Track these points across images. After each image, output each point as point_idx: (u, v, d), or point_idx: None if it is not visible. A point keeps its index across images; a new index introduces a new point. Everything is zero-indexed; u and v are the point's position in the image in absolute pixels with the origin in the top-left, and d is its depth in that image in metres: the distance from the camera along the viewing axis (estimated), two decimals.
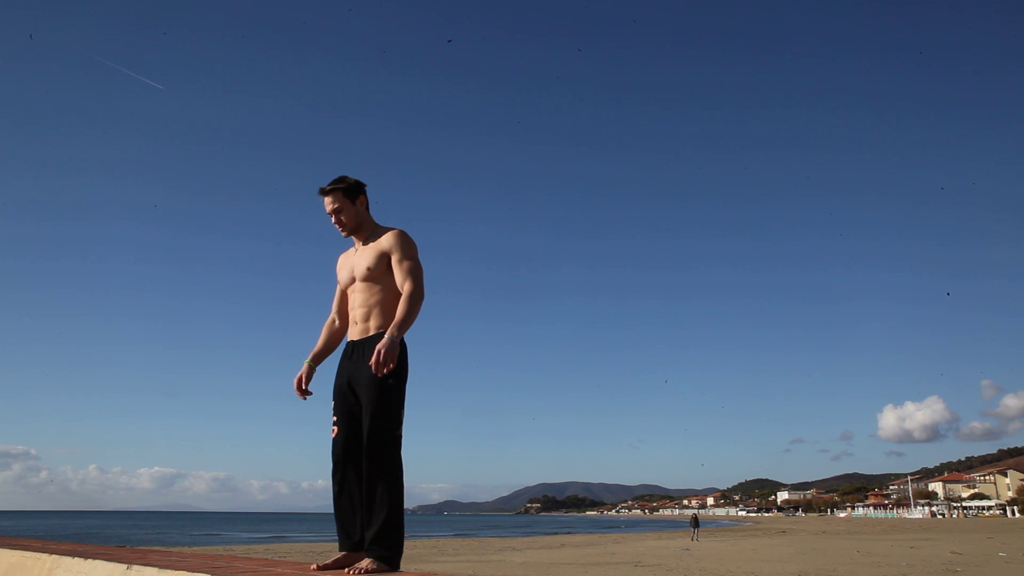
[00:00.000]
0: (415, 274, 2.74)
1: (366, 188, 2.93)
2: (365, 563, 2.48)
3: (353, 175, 2.90)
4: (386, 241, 2.80)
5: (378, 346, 2.55)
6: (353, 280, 2.86)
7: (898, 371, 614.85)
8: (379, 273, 2.78)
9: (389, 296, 2.77)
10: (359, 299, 2.81)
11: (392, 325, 2.61)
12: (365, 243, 2.88)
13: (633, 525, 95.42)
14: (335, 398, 2.77)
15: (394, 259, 2.76)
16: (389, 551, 2.53)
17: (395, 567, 2.54)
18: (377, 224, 2.93)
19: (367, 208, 2.92)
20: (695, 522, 37.41)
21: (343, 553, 2.67)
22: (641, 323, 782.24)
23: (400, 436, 2.63)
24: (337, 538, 2.73)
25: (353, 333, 2.82)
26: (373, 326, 2.75)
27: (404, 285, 2.71)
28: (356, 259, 2.87)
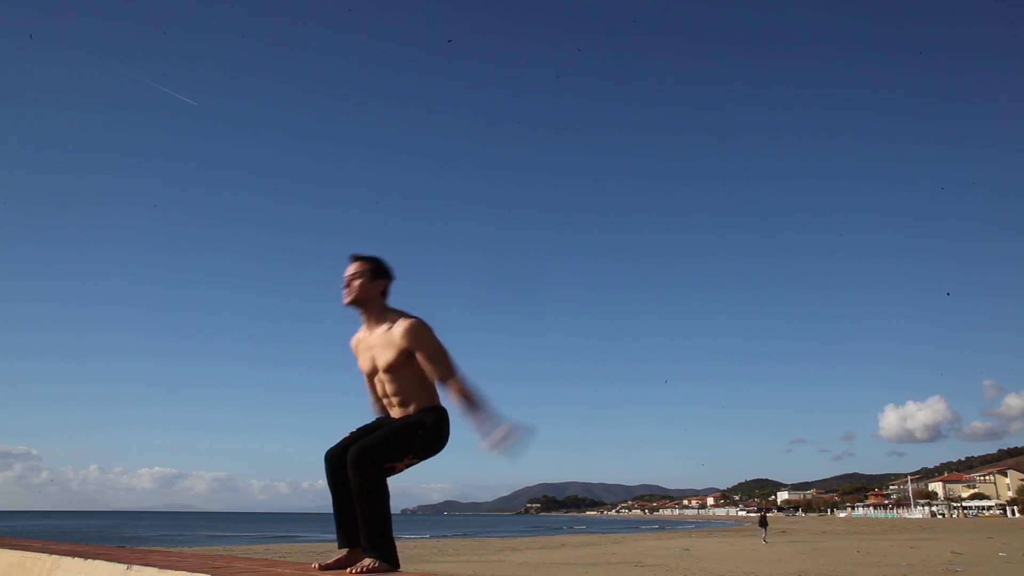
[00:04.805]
0: (444, 361, 2.77)
1: (392, 280, 2.93)
2: (367, 562, 2.49)
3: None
4: (402, 338, 2.76)
5: (499, 433, 2.70)
6: (376, 371, 2.87)
7: (900, 370, 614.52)
8: (400, 364, 2.79)
9: (416, 381, 2.81)
10: (389, 388, 2.84)
11: (478, 413, 2.70)
12: (373, 325, 2.88)
13: (642, 525, 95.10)
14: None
15: (421, 358, 2.76)
16: (386, 551, 2.53)
17: (396, 566, 2.54)
18: (387, 308, 2.89)
19: (383, 294, 2.90)
20: (763, 521, 35.06)
21: (344, 552, 2.67)
22: (640, 323, 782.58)
23: (390, 470, 2.65)
24: (336, 537, 2.74)
25: (394, 414, 2.88)
26: (412, 410, 2.81)
27: (447, 380, 2.75)
28: (374, 349, 2.86)
